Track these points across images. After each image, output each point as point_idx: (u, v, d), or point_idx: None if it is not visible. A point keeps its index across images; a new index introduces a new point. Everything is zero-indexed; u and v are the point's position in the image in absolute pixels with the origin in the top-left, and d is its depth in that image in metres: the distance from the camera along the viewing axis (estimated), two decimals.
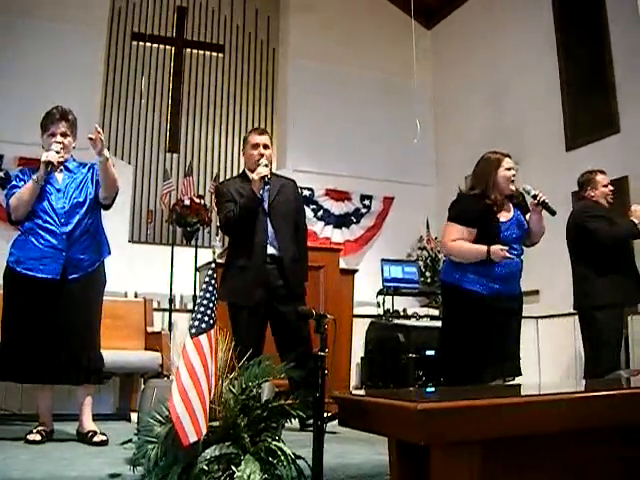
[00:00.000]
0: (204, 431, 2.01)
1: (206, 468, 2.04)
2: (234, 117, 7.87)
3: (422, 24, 8.15)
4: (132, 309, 5.06)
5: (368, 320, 6.02)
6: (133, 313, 5.01)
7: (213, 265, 2.29)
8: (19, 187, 3.28)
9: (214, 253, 5.66)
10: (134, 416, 3.93)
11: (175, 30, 7.75)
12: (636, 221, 4.27)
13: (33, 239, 3.22)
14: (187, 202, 6.41)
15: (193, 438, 1.97)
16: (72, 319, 3.21)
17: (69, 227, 3.24)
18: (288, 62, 7.81)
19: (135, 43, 7.55)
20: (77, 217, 3.27)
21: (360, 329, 5.73)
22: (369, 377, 5.79)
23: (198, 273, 5.95)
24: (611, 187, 4.52)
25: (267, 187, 3.79)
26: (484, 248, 3.49)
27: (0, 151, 6.12)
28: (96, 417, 3.42)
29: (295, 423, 3.15)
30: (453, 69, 7.90)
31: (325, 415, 2.14)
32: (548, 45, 6.49)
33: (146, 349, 4.82)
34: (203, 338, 2.09)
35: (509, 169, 3.64)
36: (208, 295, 2.17)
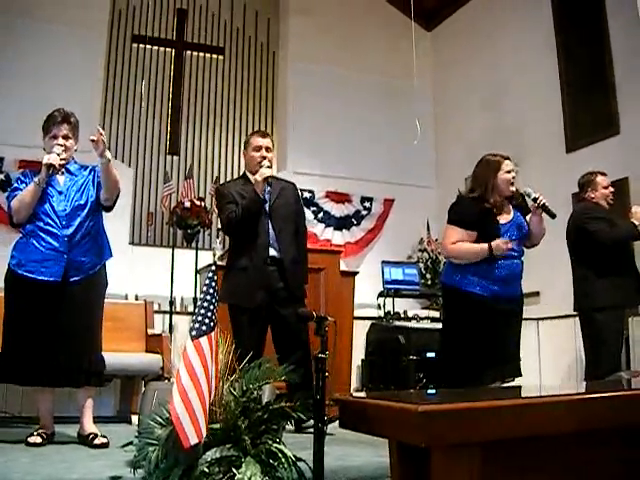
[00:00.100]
0: (204, 433, 2.01)
1: (207, 470, 2.04)
2: (234, 119, 7.87)
3: (422, 25, 8.15)
4: (133, 311, 5.06)
5: (369, 322, 6.03)
6: (134, 315, 5.01)
7: (213, 267, 2.29)
8: (21, 189, 3.29)
9: (214, 255, 5.66)
10: (135, 418, 3.93)
11: (175, 32, 7.76)
12: (636, 222, 4.27)
13: (34, 242, 3.22)
14: (187, 204, 6.42)
15: (194, 440, 1.98)
16: (73, 321, 3.22)
17: (70, 230, 3.25)
18: (288, 65, 7.81)
19: (135, 45, 7.55)
20: (78, 219, 3.28)
21: (361, 331, 5.73)
22: (370, 379, 5.79)
23: (198, 275, 5.96)
24: (611, 189, 4.52)
25: (268, 189, 3.80)
26: (485, 245, 3.49)
27: (0, 153, 6.12)
28: (97, 419, 3.42)
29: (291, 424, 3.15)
30: (453, 70, 7.90)
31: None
32: (548, 46, 6.49)
33: (147, 351, 4.82)
34: (204, 340, 2.10)
35: (509, 172, 3.64)
36: (209, 297, 2.17)
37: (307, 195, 7.29)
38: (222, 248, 5.85)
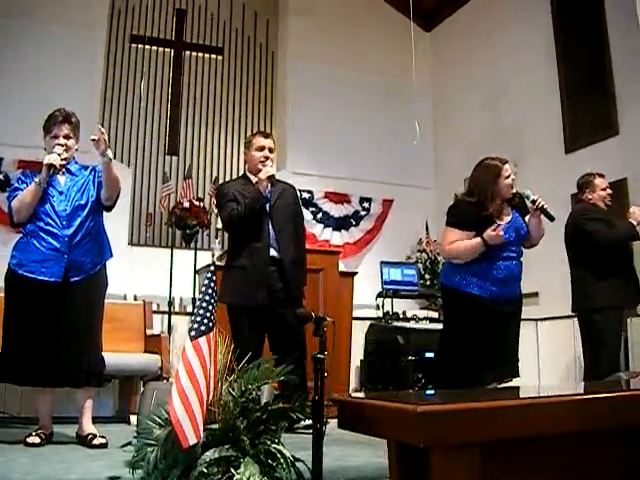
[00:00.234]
0: (202, 433, 2.01)
1: (205, 471, 2.04)
2: (233, 119, 7.87)
3: (421, 26, 8.15)
4: (131, 312, 5.06)
5: (367, 322, 6.03)
6: (132, 316, 5.01)
7: (212, 268, 2.29)
8: (21, 189, 3.29)
9: (213, 256, 5.66)
10: (133, 419, 3.93)
11: (174, 33, 7.76)
12: (634, 223, 4.28)
13: (35, 242, 3.22)
14: (186, 205, 6.41)
15: (193, 441, 1.98)
16: (73, 322, 3.22)
17: (71, 230, 3.25)
18: (287, 65, 7.81)
19: (134, 46, 7.55)
20: (79, 220, 3.28)
21: (359, 332, 5.73)
22: (368, 380, 5.79)
23: (197, 276, 5.95)
24: (609, 191, 4.51)
25: (269, 190, 3.80)
26: (479, 239, 3.48)
27: None
28: (95, 420, 3.42)
29: None
30: (452, 70, 7.90)
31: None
32: (547, 47, 6.50)
33: (145, 352, 4.82)
34: (202, 341, 2.10)
35: (509, 176, 3.62)
36: (207, 298, 2.17)
37: (306, 195, 7.29)
38: (221, 248, 5.85)
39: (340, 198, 7.60)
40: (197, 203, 6.47)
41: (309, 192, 7.39)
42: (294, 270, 3.78)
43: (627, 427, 1.86)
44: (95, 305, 3.37)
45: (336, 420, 1.93)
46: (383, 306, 6.42)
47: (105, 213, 3.46)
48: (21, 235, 3.32)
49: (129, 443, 2.30)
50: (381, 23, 7.97)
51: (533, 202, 3.64)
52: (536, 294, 6.03)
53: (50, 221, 3.23)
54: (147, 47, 7.56)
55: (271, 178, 3.73)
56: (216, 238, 6.78)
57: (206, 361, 2.07)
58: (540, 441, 1.76)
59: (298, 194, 4.23)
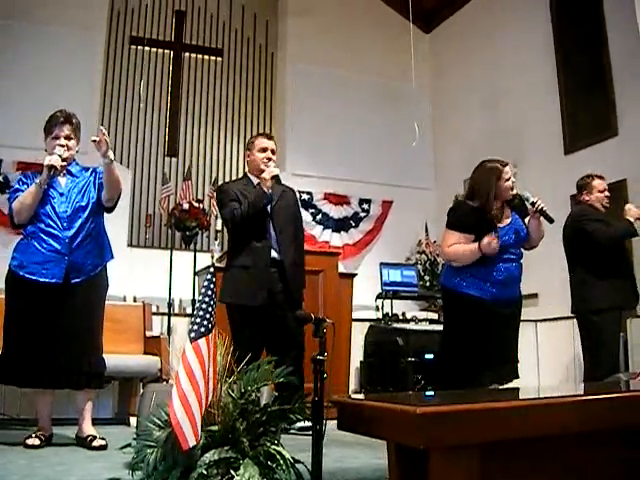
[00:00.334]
0: (200, 434, 2.01)
1: (205, 472, 2.03)
2: (233, 121, 7.88)
3: (420, 27, 8.16)
4: (131, 313, 5.05)
5: (367, 324, 6.02)
6: (132, 317, 5.00)
7: (212, 269, 2.29)
8: (22, 191, 3.28)
9: (213, 257, 5.65)
10: (133, 420, 3.93)
11: (174, 34, 7.77)
12: (631, 219, 4.28)
13: (36, 243, 3.22)
14: (186, 206, 6.42)
15: (192, 442, 1.97)
16: (74, 323, 3.21)
17: (72, 231, 3.24)
18: (287, 66, 7.82)
19: (134, 47, 7.56)
20: (80, 221, 3.28)
21: (359, 333, 5.72)
22: (368, 381, 5.78)
23: (197, 277, 5.95)
24: (607, 193, 4.50)
25: (270, 191, 3.80)
26: (475, 245, 3.48)
27: None
28: (95, 421, 3.42)
29: None
30: (451, 71, 7.91)
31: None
32: (547, 48, 6.50)
33: (145, 353, 4.81)
34: (202, 342, 2.09)
35: (509, 179, 3.61)
36: (207, 299, 2.17)
37: (305, 197, 7.29)
38: (220, 250, 5.85)
39: (339, 199, 7.60)
40: (197, 205, 6.47)
41: (308, 193, 7.39)
42: (294, 272, 3.78)
43: (627, 427, 1.86)
44: (96, 307, 3.36)
45: (336, 421, 1.93)
46: (383, 307, 6.42)
47: (107, 214, 3.46)
48: (22, 236, 3.32)
49: (129, 445, 2.30)
50: (380, 24, 7.98)
51: (532, 204, 3.63)
52: (536, 295, 6.03)
53: (51, 222, 3.23)
54: (147, 48, 7.57)
55: (275, 178, 3.73)
56: (215, 239, 6.79)
57: (205, 362, 2.07)
58: (540, 442, 1.76)
59: (298, 197, 4.24)
